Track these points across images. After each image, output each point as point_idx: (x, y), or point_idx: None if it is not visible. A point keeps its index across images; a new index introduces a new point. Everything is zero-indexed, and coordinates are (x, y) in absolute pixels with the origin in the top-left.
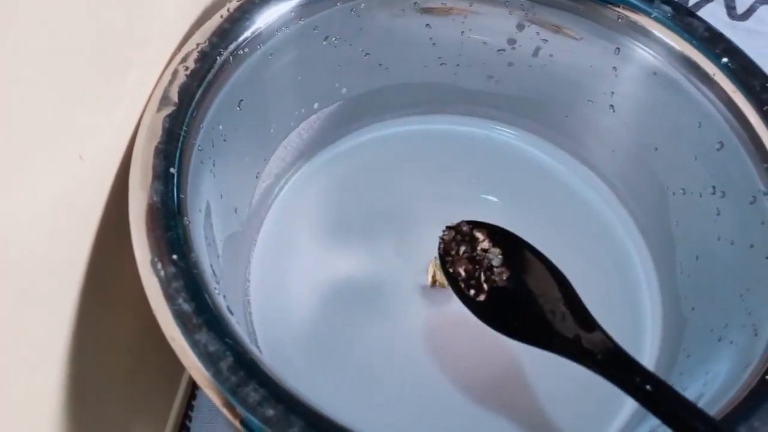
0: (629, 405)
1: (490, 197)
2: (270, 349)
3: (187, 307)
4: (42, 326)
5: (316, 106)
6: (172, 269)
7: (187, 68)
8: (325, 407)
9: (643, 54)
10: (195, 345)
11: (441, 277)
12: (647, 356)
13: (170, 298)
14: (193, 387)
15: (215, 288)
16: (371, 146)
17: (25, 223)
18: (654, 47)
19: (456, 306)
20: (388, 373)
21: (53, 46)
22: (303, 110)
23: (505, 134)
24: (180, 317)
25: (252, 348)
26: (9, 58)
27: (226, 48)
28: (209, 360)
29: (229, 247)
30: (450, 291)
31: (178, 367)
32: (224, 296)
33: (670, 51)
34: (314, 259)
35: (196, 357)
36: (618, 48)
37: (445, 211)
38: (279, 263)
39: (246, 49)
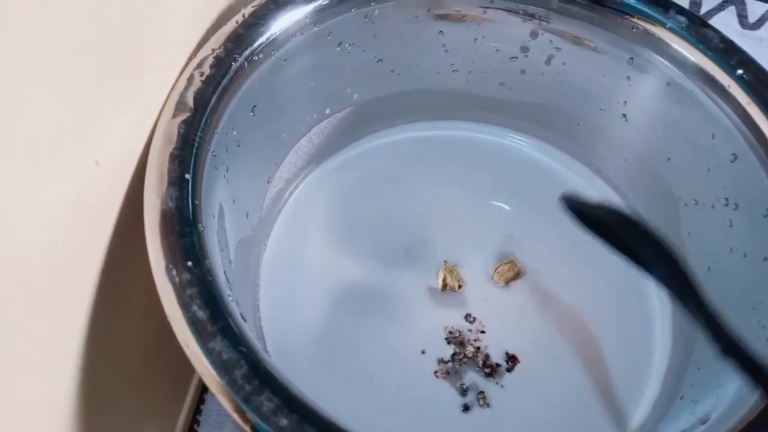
0: (637, 417)
1: (500, 204)
2: (280, 354)
3: (201, 314)
4: (54, 329)
5: (328, 111)
6: (186, 276)
7: (202, 74)
8: (334, 412)
9: (657, 64)
10: (209, 353)
11: (451, 281)
12: (657, 366)
13: (185, 305)
14: (201, 392)
15: (229, 295)
16: (382, 152)
17: (41, 226)
18: (668, 58)
19: (467, 308)
20: (398, 378)
21: (69, 52)
22: (315, 116)
23: (516, 141)
24: (194, 324)
25: (266, 356)
26: (24, 65)
27: (240, 54)
28: (223, 368)
29: (240, 252)
30: (460, 295)
31: (187, 371)
32: (236, 302)
33: (684, 61)
34: (324, 263)
35: (210, 365)
36: (632, 58)
37: (455, 216)
38: (289, 267)
39: (261, 55)
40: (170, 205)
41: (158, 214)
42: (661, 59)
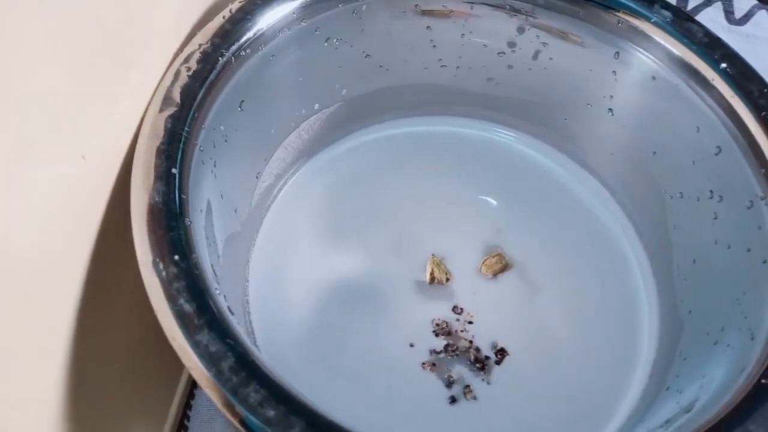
0: (625, 408)
1: (488, 198)
2: (269, 349)
3: (188, 307)
4: (42, 325)
5: (316, 106)
6: (173, 270)
7: (189, 69)
8: (323, 404)
9: (643, 58)
10: (196, 345)
11: (439, 274)
12: (644, 357)
13: (172, 299)
14: (191, 386)
15: (216, 288)
16: (371, 147)
17: (27, 222)
18: (653, 52)
19: (455, 301)
20: (386, 371)
21: (55, 45)
22: (303, 111)
23: (504, 136)
24: (181, 318)
25: (253, 349)
26: (9, 57)
27: (228, 49)
28: (210, 360)
29: (228, 247)
30: (447, 288)
31: (177, 366)
32: (224, 296)
33: (669, 56)
34: (313, 258)
35: (197, 357)
36: (618, 52)
37: (442, 210)
38: (278, 263)
39: (248, 50)
40: (157, 199)
41: (145, 209)
42: (647, 53)
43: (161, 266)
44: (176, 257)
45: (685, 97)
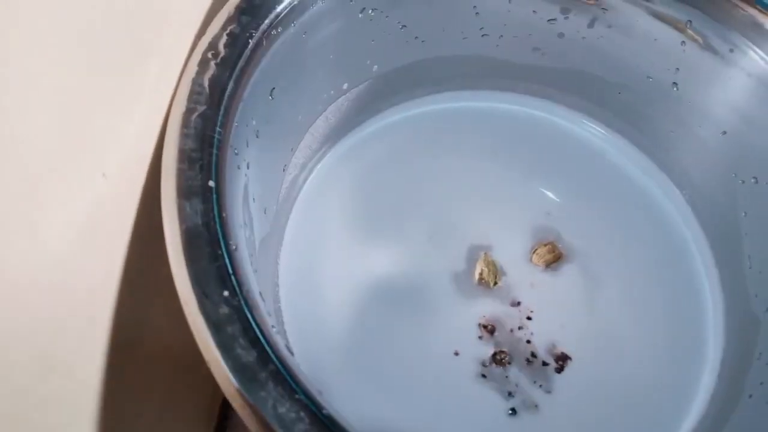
0: (694, 413)
1: (532, 181)
2: (305, 359)
3: (247, 357)
4: (76, 358)
5: (345, 86)
6: (224, 310)
7: (216, 55)
8: (367, 423)
9: (717, 30)
10: (263, 405)
11: (487, 276)
12: (711, 355)
13: (226, 348)
14: (222, 418)
15: (273, 326)
16: (401, 127)
17: (51, 252)
18: (731, 25)
19: (501, 302)
20: (434, 382)
21: (63, 46)
22: (332, 92)
23: (550, 113)
24: (241, 372)
25: (324, 401)
26: (14, 67)
27: (257, 28)
28: (281, 424)
29: (261, 253)
30: (493, 289)
31: (210, 404)
32: (279, 334)
33: (746, 28)
34: (344, 255)
35: (267, 418)
36: (690, 21)
37: (484, 195)
38: (308, 263)
39: (279, 28)
40: (195, 221)
41: (181, 234)
42: (722, 26)
43: (209, 306)
44: (225, 293)
45: (759, 77)
